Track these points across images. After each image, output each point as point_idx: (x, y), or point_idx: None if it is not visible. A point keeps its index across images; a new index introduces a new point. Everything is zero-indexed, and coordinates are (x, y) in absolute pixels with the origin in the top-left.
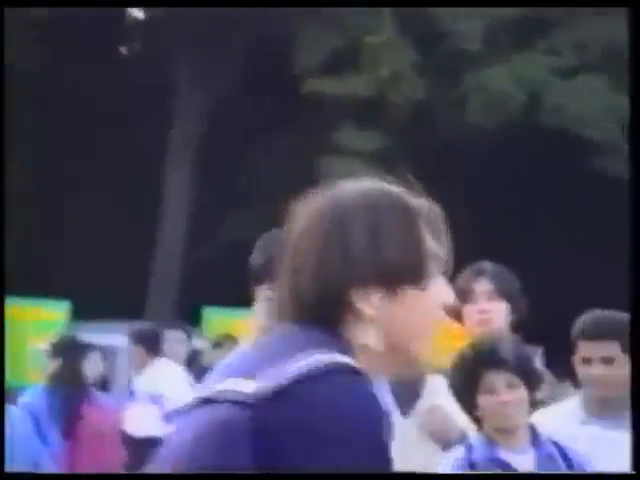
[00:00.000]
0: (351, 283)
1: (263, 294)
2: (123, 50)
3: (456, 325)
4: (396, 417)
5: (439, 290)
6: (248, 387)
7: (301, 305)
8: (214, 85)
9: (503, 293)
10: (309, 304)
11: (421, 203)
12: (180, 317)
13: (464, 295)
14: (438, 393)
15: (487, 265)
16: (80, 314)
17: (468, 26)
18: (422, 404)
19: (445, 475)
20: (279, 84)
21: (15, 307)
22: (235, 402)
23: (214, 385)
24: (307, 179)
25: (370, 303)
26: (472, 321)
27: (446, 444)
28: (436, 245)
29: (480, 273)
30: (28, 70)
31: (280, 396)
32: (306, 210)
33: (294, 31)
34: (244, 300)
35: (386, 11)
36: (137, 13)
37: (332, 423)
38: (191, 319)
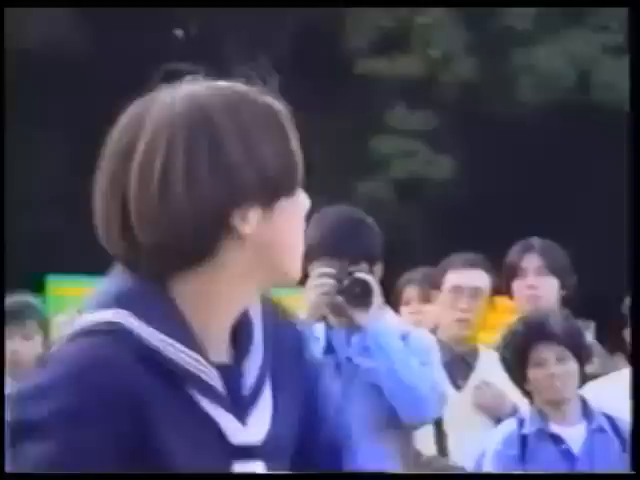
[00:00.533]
0: (227, 201)
1: (315, 271)
2: (179, 33)
3: (506, 301)
4: (449, 391)
5: (304, 198)
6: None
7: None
8: (264, 67)
9: (552, 269)
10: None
11: (278, 102)
12: None
13: (513, 271)
14: (490, 367)
15: (536, 241)
16: None
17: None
18: (475, 378)
19: (445, 475)
20: (330, 66)
21: (55, 284)
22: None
23: None
24: (359, 160)
25: (247, 221)
26: (521, 296)
27: (498, 418)
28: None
29: (529, 249)
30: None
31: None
32: (151, 119)
33: (344, 13)
34: None
35: None
36: None
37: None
38: None
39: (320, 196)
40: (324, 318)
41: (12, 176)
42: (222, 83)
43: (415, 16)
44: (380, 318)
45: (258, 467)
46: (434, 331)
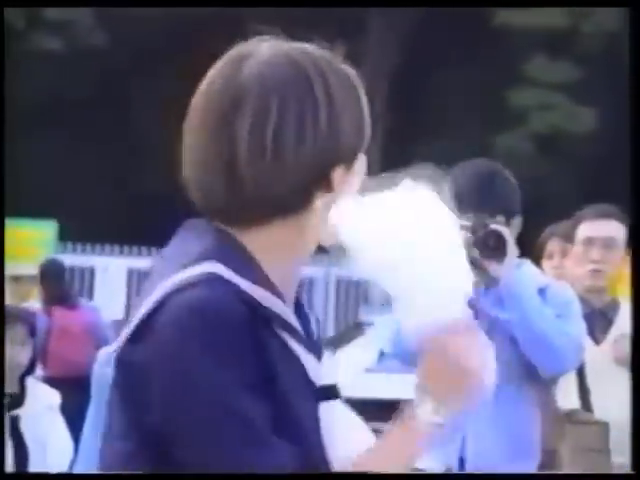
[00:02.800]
0: (329, 158)
1: None
2: None
3: None
4: (589, 345)
5: (364, 162)
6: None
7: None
8: (402, 20)
9: None
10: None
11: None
12: None
13: None
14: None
15: None
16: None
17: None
18: (614, 332)
19: (445, 475)
20: (468, 17)
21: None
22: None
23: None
24: (498, 112)
25: (339, 177)
26: None
27: None
28: None
29: None
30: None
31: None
32: (253, 76)
33: None
34: None
35: None
36: None
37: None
38: None
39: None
40: None
41: None
42: (307, 45)
43: None
44: (515, 270)
45: (338, 406)
46: (573, 285)
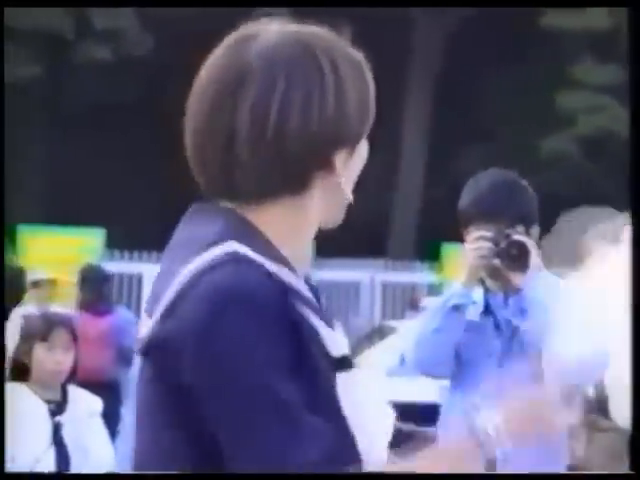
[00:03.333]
0: (332, 139)
1: (472, 235)
2: None
3: None
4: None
5: (366, 147)
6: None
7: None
8: (448, 21)
9: None
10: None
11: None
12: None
13: None
14: None
15: None
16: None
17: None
18: None
19: (445, 475)
20: (516, 18)
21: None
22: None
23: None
24: (545, 113)
25: (341, 160)
26: None
27: None
28: None
29: None
30: None
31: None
32: (257, 57)
33: None
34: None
35: None
36: None
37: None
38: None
39: (503, 150)
40: (482, 281)
41: None
42: (313, 27)
43: None
44: (537, 280)
45: (356, 374)
46: None
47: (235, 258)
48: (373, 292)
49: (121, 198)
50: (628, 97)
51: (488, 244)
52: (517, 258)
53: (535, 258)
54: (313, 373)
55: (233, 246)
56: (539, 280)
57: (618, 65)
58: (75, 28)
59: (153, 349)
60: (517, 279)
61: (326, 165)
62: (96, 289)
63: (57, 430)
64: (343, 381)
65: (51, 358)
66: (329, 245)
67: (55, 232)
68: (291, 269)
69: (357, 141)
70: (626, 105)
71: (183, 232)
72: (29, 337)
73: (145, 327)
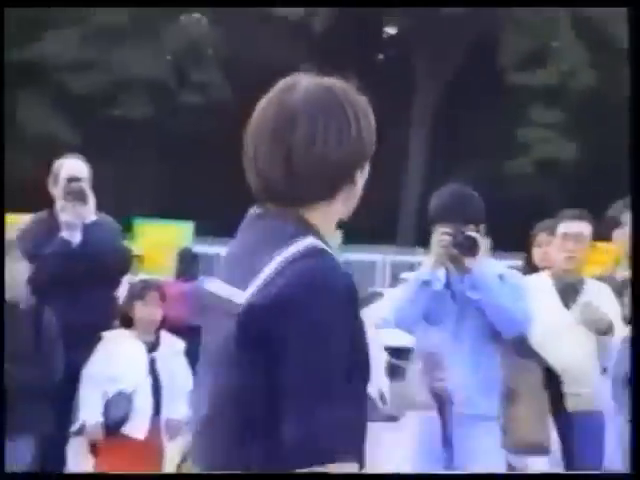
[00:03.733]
0: (356, 158)
1: (438, 231)
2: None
3: (605, 244)
4: (560, 309)
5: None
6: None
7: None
8: (443, 72)
9: None
10: (315, 185)
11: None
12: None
13: (614, 223)
14: (594, 293)
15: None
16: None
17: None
18: (580, 300)
19: (445, 475)
20: (489, 75)
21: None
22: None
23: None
24: (507, 145)
25: (362, 173)
26: (619, 242)
27: (599, 331)
28: None
29: (626, 206)
30: None
31: (267, 286)
32: (300, 100)
33: (497, 35)
34: None
35: (563, 19)
36: (390, 30)
37: (312, 296)
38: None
39: (478, 172)
40: (444, 264)
41: None
42: (334, 79)
43: (549, 40)
44: (483, 264)
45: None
46: (554, 266)
47: (315, 250)
48: (384, 269)
49: (205, 201)
50: (568, 132)
51: (449, 238)
52: (469, 248)
53: (482, 248)
54: (361, 345)
55: (313, 240)
56: (485, 264)
57: (558, 109)
58: (176, 78)
59: (251, 312)
60: (469, 263)
61: (349, 179)
62: (187, 264)
63: (152, 363)
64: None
65: (146, 311)
66: (353, 234)
67: (159, 223)
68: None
69: (367, 160)
70: (567, 138)
71: (257, 227)
72: (131, 297)
73: (239, 295)
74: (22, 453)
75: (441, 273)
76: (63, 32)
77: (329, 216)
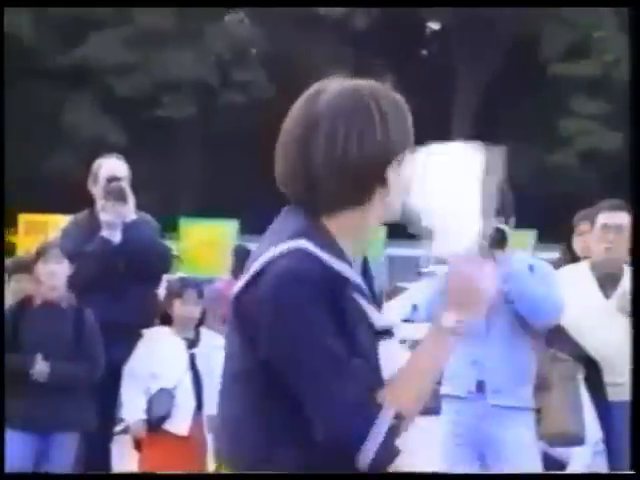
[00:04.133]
0: (384, 160)
1: None
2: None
3: None
4: (600, 299)
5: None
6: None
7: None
8: (483, 71)
9: None
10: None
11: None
12: None
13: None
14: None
15: None
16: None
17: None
18: (619, 290)
19: (445, 475)
20: (532, 68)
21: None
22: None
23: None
24: (550, 137)
25: (393, 173)
26: None
27: None
28: None
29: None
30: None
31: (252, 280)
32: (326, 103)
33: (538, 29)
34: None
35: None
36: (434, 26)
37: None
38: None
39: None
40: None
41: None
42: (363, 81)
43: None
44: (513, 255)
45: (393, 343)
46: (594, 255)
47: (298, 251)
48: (428, 265)
49: (248, 199)
50: (611, 123)
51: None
52: (499, 241)
53: (511, 240)
54: (355, 336)
55: (300, 243)
56: (514, 255)
57: (601, 100)
58: (219, 78)
59: (238, 304)
60: (499, 254)
61: (381, 181)
62: (242, 262)
63: (192, 359)
64: (385, 346)
65: (185, 309)
66: (396, 230)
67: (204, 222)
68: (349, 263)
69: (402, 159)
70: (610, 128)
71: (273, 227)
72: (169, 295)
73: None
74: (66, 451)
75: None
76: (107, 34)
77: (351, 221)
